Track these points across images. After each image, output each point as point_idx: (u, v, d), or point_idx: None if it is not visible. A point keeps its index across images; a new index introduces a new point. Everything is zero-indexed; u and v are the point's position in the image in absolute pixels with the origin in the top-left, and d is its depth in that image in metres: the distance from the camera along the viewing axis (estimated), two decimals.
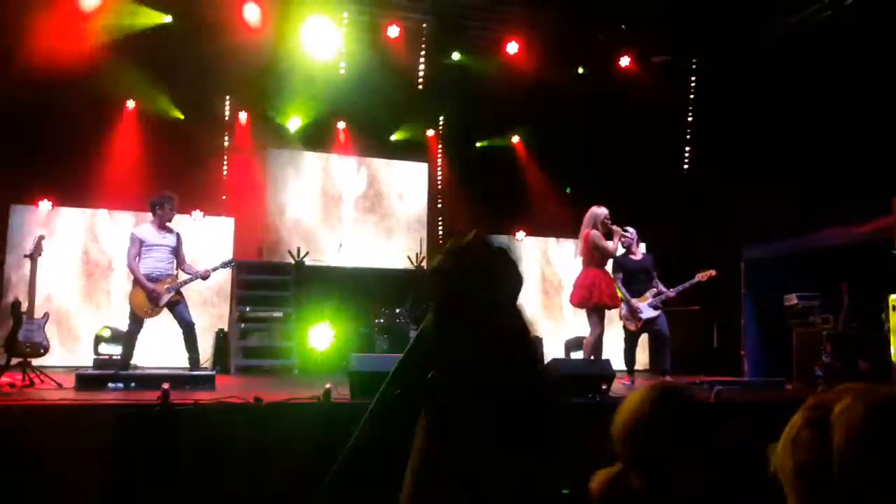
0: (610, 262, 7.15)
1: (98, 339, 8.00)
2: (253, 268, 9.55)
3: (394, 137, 10.95)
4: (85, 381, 5.39)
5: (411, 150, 11.03)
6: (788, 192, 8.46)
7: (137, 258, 6.51)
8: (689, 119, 10.84)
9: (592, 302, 6.77)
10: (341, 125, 10.74)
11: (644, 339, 7.78)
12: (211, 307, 9.00)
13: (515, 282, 0.81)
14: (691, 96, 10.71)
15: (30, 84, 7.84)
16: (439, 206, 11.23)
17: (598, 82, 10.12)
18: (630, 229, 7.35)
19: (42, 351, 6.37)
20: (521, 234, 10.69)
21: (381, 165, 10.90)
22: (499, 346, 0.77)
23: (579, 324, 8.24)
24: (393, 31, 9.55)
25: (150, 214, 6.73)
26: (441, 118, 11.25)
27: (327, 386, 4.61)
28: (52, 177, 8.52)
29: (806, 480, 1.04)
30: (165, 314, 6.55)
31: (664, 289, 7.46)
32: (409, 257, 10.09)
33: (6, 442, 3.92)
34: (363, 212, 10.70)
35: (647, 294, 7.39)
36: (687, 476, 1.61)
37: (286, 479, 4.04)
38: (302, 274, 9.22)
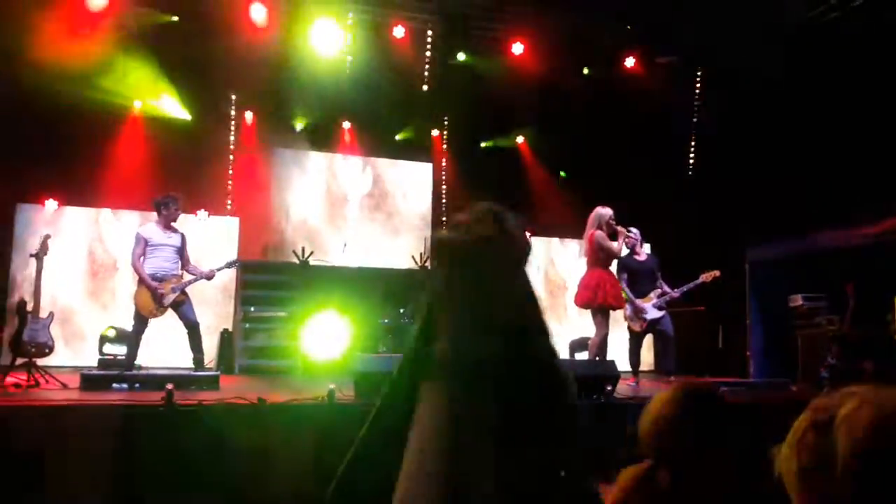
0: (614, 263, 7.15)
1: (103, 339, 8.01)
2: (258, 268, 9.56)
3: (399, 137, 10.95)
4: (90, 381, 5.40)
5: (416, 150, 11.02)
6: (793, 192, 8.43)
7: (142, 258, 6.52)
8: (694, 120, 10.82)
9: (597, 303, 6.76)
10: (347, 125, 10.74)
11: (649, 339, 7.77)
12: (215, 307, 9.01)
13: (519, 248, 0.80)
14: (696, 96, 10.69)
15: (36, 83, 7.86)
16: (444, 206, 11.23)
17: (603, 83, 10.11)
18: (634, 230, 7.34)
19: (47, 351, 6.38)
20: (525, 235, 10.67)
21: (386, 165, 10.90)
22: (505, 311, 0.77)
23: (584, 324, 8.23)
24: (399, 32, 9.57)
25: (155, 214, 6.75)
26: (446, 118, 11.25)
27: (331, 386, 4.61)
28: (58, 176, 8.53)
29: (810, 484, 1.04)
30: (170, 314, 6.56)
31: (668, 289, 7.45)
32: (413, 257, 10.09)
33: (11, 442, 3.93)
34: (368, 211, 10.70)
35: (652, 295, 7.38)
36: (717, 475, 1.62)
37: (290, 480, 4.04)
38: (307, 274, 9.22)
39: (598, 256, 6.89)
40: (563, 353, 9.17)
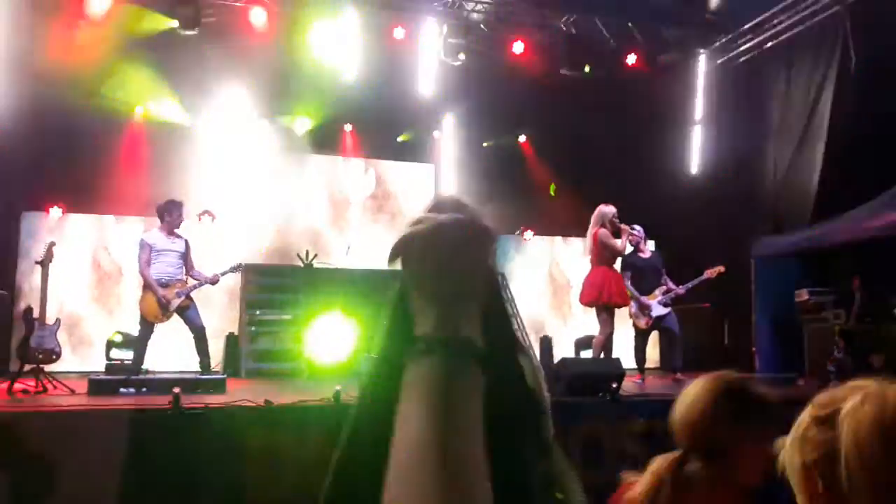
0: (618, 261, 7.14)
1: (110, 345, 8.02)
2: (262, 271, 9.57)
3: (400, 139, 10.95)
4: (97, 386, 5.43)
5: (418, 151, 11.03)
6: (799, 187, 8.41)
7: (149, 264, 6.55)
8: (697, 117, 10.80)
9: (602, 301, 6.75)
10: (348, 127, 10.74)
11: (654, 336, 7.76)
12: (221, 310, 9.02)
13: (483, 232, 0.79)
14: (698, 94, 10.67)
15: (39, 91, 7.89)
16: None
17: (604, 81, 10.09)
18: (638, 227, 7.32)
19: (54, 357, 6.39)
20: (528, 234, 10.67)
21: (389, 167, 10.91)
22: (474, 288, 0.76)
23: (589, 323, 8.22)
24: (399, 33, 9.57)
25: (158, 220, 6.77)
26: (448, 118, 11.24)
27: (337, 388, 4.62)
28: (62, 183, 8.56)
29: (813, 479, 1.04)
30: (176, 318, 6.58)
31: (673, 286, 7.43)
32: None
33: (20, 448, 3.95)
34: (371, 213, 10.71)
35: (657, 292, 7.37)
36: (747, 466, 1.64)
37: (297, 482, 4.05)
38: (311, 277, 9.23)
39: (603, 254, 6.89)
40: (569, 351, 9.17)
